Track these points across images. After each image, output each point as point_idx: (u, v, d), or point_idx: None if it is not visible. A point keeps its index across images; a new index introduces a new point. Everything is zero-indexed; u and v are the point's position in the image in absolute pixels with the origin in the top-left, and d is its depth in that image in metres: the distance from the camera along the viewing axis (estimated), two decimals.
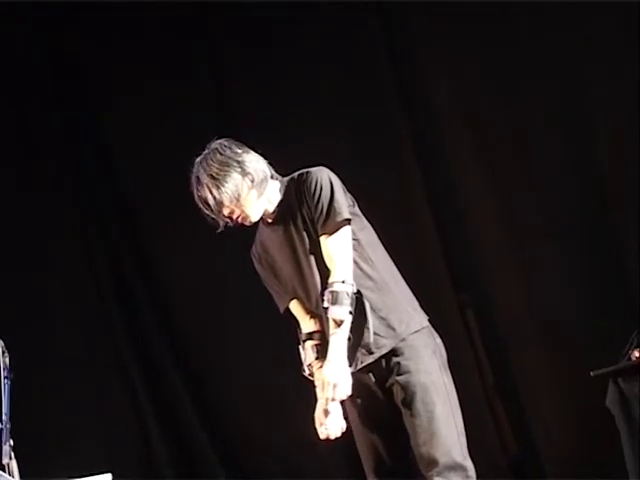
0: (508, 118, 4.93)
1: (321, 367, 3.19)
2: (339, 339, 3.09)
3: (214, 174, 3.14)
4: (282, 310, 3.34)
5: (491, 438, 4.97)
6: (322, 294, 3.11)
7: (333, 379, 3.08)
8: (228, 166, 3.16)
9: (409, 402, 3.11)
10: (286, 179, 3.28)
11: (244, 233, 3.36)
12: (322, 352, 3.22)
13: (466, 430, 3.18)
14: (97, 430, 5.17)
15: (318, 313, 3.22)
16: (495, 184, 4.98)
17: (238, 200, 3.15)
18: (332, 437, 3.18)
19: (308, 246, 3.19)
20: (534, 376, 4.92)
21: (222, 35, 5.30)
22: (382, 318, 3.15)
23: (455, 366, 3.27)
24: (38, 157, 5.34)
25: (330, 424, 3.15)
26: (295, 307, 3.32)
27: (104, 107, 5.40)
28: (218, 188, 3.13)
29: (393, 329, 3.14)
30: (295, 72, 5.13)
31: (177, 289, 5.37)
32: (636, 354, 4.10)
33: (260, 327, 5.04)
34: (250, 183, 3.17)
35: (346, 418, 3.20)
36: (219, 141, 3.22)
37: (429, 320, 3.25)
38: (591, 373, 4.16)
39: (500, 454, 4.98)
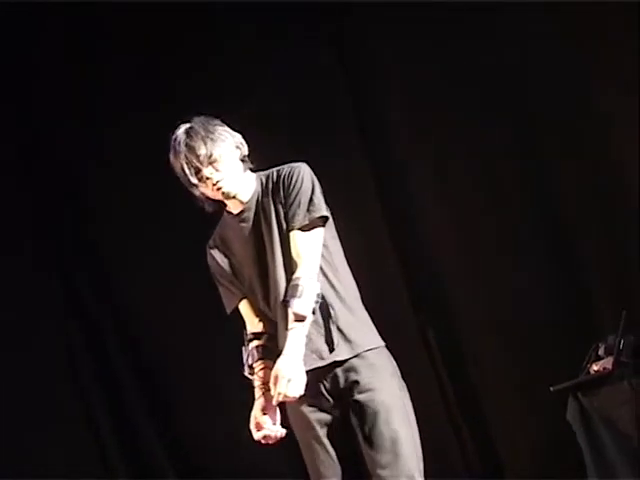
0: (464, 134, 4.93)
1: (264, 369, 3.17)
2: (298, 334, 3.00)
3: (210, 129, 3.10)
4: (229, 310, 3.28)
5: (454, 456, 4.97)
6: (286, 289, 3.05)
7: (288, 374, 2.98)
8: (225, 131, 3.15)
9: (371, 422, 3.05)
10: (261, 174, 3.23)
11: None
12: (266, 354, 3.18)
13: (429, 448, 3.15)
14: (50, 437, 5.09)
15: (272, 314, 3.15)
16: (451, 200, 4.97)
17: (224, 160, 3.09)
18: (268, 441, 3.14)
19: (277, 243, 3.12)
20: (496, 392, 4.92)
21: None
22: (339, 329, 3.09)
23: (416, 385, 3.24)
24: None
25: (268, 427, 3.12)
26: (244, 306, 3.25)
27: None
28: (212, 140, 3.08)
29: (349, 342, 3.09)
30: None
31: (129, 297, 5.33)
32: (594, 368, 4.12)
33: (213, 330, 4.99)
34: (239, 155, 3.16)
35: (288, 426, 3.15)
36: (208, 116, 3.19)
37: (387, 345, 3.20)
38: (551, 388, 4.18)
39: (463, 471, 4.98)
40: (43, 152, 5.35)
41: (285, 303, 3.04)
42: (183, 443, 5.28)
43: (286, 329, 3.05)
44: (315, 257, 3.08)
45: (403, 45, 4.93)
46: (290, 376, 2.98)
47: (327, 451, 3.13)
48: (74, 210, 5.39)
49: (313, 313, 3.03)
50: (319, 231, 3.11)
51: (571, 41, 4.64)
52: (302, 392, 3.01)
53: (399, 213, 5.04)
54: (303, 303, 3.00)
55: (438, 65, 4.89)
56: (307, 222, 3.09)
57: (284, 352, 3.01)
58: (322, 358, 3.08)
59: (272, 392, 3.02)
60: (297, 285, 3.01)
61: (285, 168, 3.19)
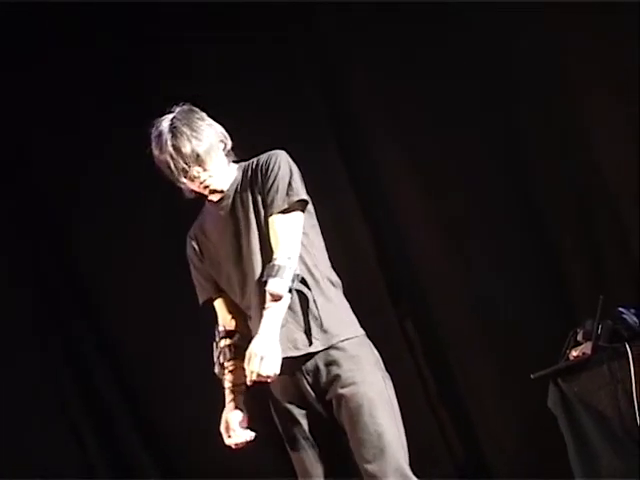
0: (443, 129, 4.94)
1: (234, 370, 3.16)
2: (273, 314, 2.96)
3: (194, 127, 3.09)
4: (201, 301, 3.27)
5: (438, 446, 4.98)
6: (263, 271, 3.02)
7: (261, 351, 2.92)
8: (208, 125, 3.13)
9: (355, 415, 3.03)
10: (242, 164, 3.23)
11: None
12: (238, 354, 3.16)
13: (413, 440, 3.15)
14: (32, 442, 5.07)
15: (246, 303, 3.13)
16: (428, 190, 4.98)
17: (210, 158, 3.09)
18: (236, 445, 3.13)
19: (254, 230, 3.11)
20: (477, 381, 4.94)
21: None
22: (316, 318, 3.07)
23: (397, 377, 3.23)
24: None
25: (238, 434, 3.11)
26: (219, 303, 3.25)
27: None
28: (198, 140, 3.07)
29: (325, 331, 3.07)
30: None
31: (111, 303, 5.32)
32: (573, 353, 4.14)
33: (194, 336, 4.98)
34: (223, 148, 3.15)
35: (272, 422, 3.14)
36: (189, 105, 3.17)
37: (367, 334, 3.18)
38: (531, 376, 4.20)
39: (448, 462, 4.99)
40: (21, 160, 5.33)
41: (263, 283, 3.00)
42: (165, 443, 5.27)
43: (259, 317, 3.02)
44: (294, 239, 3.05)
45: (375, 40, 4.95)
46: (263, 354, 2.93)
47: (313, 446, 3.12)
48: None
49: (290, 292, 2.99)
50: (298, 215, 3.10)
51: (557, 38, 4.65)
52: (277, 371, 2.95)
53: (377, 203, 5.06)
54: (279, 282, 2.96)
55: (413, 60, 4.90)
56: (286, 206, 3.08)
57: (258, 332, 2.97)
58: (297, 348, 3.06)
59: (246, 372, 2.97)
60: (273, 265, 2.98)
61: (263, 156, 3.18)
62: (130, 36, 5.13)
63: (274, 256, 3.01)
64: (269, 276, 2.98)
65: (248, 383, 3.01)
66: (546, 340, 4.54)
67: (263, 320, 2.97)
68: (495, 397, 4.93)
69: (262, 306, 3.02)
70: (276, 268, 2.97)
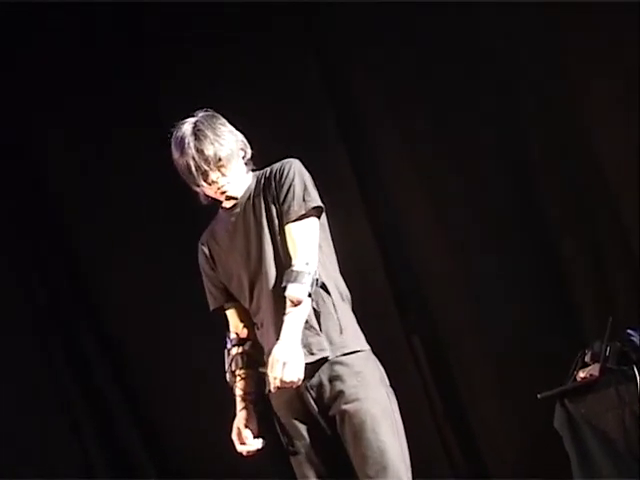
0: (447, 132, 4.91)
1: (245, 379, 3.16)
2: (294, 319, 2.96)
3: (217, 132, 3.10)
4: (211, 309, 3.28)
5: (441, 464, 4.95)
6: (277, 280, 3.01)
7: (283, 357, 2.91)
8: (230, 132, 3.15)
9: (359, 432, 3.01)
10: (256, 172, 3.23)
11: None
12: (250, 363, 3.17)
13: (416, 457, 3.13)
14: (34, 444, 5.05)
15: (255, 308, 3.12)
16: (436, 202, 4.96)
17: (230, 164, 3.09)
18: (248, 452, 3.13)
19: (266, 237, 3.10)
20: (483, 400, 4.91)
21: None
22: (328, 329, 3.06)
23: (401, 391, 3.21)
24: None
25: (249, 442, 3.11)
26: (231, 312, 3.25)
27: None
28: (220, 144, 3.08)
29: (335, 343, 3.05)
30: None
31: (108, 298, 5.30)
32: (581, 374, 4.11)
33: (195, 336, 4.97)
34: (243, 155, 3.16)
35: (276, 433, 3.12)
36: (212, 111, 3.18)
37: (373, 347, 3.18)
38: (538, 395, 4.17)
39: (450, 477, 4.96)
40: (20, 159, 5.31)
41: (280, 289, 3.00)
42: (165, 443, 5.25)
43: (274, 322, 3.02)
44: (311, 245, 3.05)
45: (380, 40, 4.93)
46: (286, 360, 2.92)
47: (316, 461, 3.10)
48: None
49: (310, 296, 2.99)
50: (314, 221, 3.10)
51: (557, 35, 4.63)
52: (300, 376, 2.94)
53: (383, 216, 5.03)
54: (298, 287, 2.96)
55: (418, 59, 4.88)
56: (303, 211, 3.08)
57: (280, 337, 2.96)
58: (312, 353, 3.04)
59: (269, 378, 2.96)
60: (292, 271, 2.99)
61: (276, 164, 3.19)
62: (130, 36, 5.13)
63: (292, 262, 3.01)
64: (288, 282, 2.98)
65: (272, 390, 3.00)
66: (553, 359, 4.52)
67: (284, 326, 2.96)
68: (500, 413, 4.90)
69: (276, 311, 3.02)
70: (295, 274, 2.98)
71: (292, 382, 2.94)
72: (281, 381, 2.93)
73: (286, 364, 2.92)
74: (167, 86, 5.12)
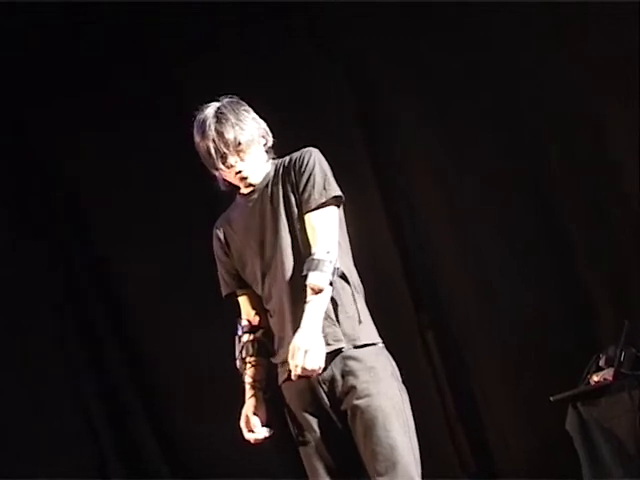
0: (465, 137, 4.92)
1: (255, 366, 3.15)
2: (315, 307, 2.93)
3: (240, 117, 3.10)
4: (224, 295, 3.27)
5: (451, 461, 4.95)
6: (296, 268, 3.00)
7: (305, 345, 2.88)
8: (253, 119, 3.15)
9: (370, 428, 2.99)
10: (275, 161, 3.22)
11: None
12: (261, 351, 3.17)
13: (426, 454, 3.11)
14: (49, 441, 5.06)
15: (267, 294, 3.12)
16: (452, 204, 4.97)
17: (250, 150, 3.09)
18: (256, 440, 3.12)
19: (283, 224, 3.09)
20: (495, 399, 4.91)
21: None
22: (341, 321, 3.04)
23: (414, 388, 3.18)
24: None
25: (257, 430, 3.10)
26: (244, 299, 3.24)
27: None
28: (241, 129, 3.08)
29: (345, 333, 3.04)
30: None
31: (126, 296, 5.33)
32: (595, 378, 4.10)
33: (210, 326, 4.96)
34: (264, 143, 3.16)
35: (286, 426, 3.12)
36: (236, 98, 3.17)
37: (386, 343, 3.15)
38: (550, 398, 4.16)
39: (461, 476, 4.96)
40: (36, 147, 5.34)
41: (303, 278, 2.98)
42: (178, 443, 5.26)
43: (291, 311, 3.01)
44: (331, 233, 3.04)
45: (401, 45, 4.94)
46: (307, 347, 2.90)
47: (324, 454, 3.09)
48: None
49: (331, 285, 2.97)
50: (334, 210, 3.09)
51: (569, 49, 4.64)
52: (322, 364, 2.93)
53: (401, 212, 5.04)
54: (319, 275, 2.95)
55: (441, 63, 4.90)
56: (323, 200, 3.07)
57: (301, 325, 2.94)
58: (328, 344, 3.01)
59: (290, 366, 2.94)
60: (313, 259, 2.97)
61: (296, 153, 3.18)
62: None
63: (313, 250, 3.00)
64: (309, 270, 2.96)
65: (292, 378, 2.99)
66: (565, 360, 4.53)
67: (305, 314, 2.95)
68: (512, 413, 4.89)
69: (292, 300, 3.01)
70: (316, 262, 2.96)
71: (313, 370, 2.92)
72: (302, 369, 2.91)
73: (308, 352, 2.90)
74: (189, 78, 5.12)
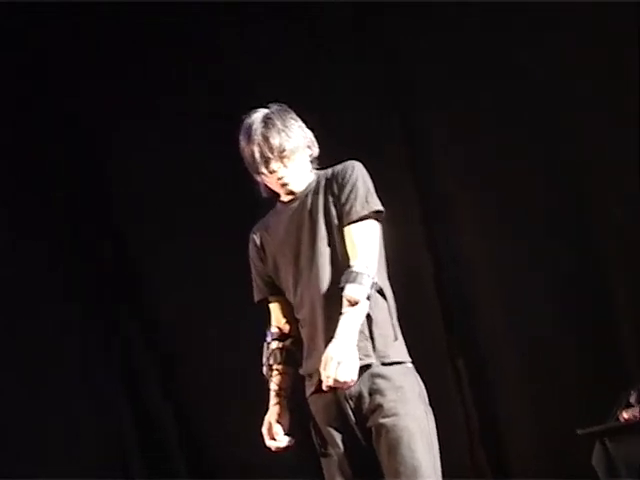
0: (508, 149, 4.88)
1: (282, 374, 3.15)
2: (351, 319, 2.91)
3: (287, 124, 3.12)
4: (256, 300, 3.27)
5: None
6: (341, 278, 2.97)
7: (337, 356, 2.86)
8: (300, 127, 3.16)
9: (394, 447, 2.97)
10: (319, 172, 3.22)
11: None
12: (289, 360, 3.17)
13: (449, 477, 3.10)
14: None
15: (297, 305, 3.11)
16: (487, 226, 4.94)
17: (294, 157, 3.10)
18: (277, 448, 3.11)
19: (321, 234, 3.08)
20: (520, 428, 4.87)
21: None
22: (374, 337, 3.01)
23: (441, 411, 3.15)
24: None
25: (279, 438, 3.09)
26: (275, 306, 3.24)
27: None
28: (287, 136, 3.09)
29: (375, 349, 3.02)
30: None
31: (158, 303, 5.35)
32: (624, 415, 4.05)
33: (238, 330, 4.99)
34: (309, 153, 3.17)
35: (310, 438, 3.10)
36: (285, 106, 3.19)
37: (415, 363, 3.13)
38: (578, 431, 4.11)
39: None
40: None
41: (340, 290, 2.96)
42: (199, 444, 5.26)
43: (324, 323, 3.00)
44: (372, 247, 3.03)
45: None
46: (340, 359, 2.88)
47: (347, 470, 3.07)
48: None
49: (368, 299, 2.96)
50: (375, 224, 3.08)
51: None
52: (354, 377, 2.91)
53: (439, 230, 5.03)
54: (357, 287, 2.93)
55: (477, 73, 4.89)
56: (365, 212, 3.06)
57: (335, 336, 2.93)
58: (359, 358, 2.97)
59: (322, 376, 2.92)
60: (351, 272, 2.96)
61: (339, 165, 3.18)
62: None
63: (351, 263, 2.99)
64: (347, 282, 2.95)
65: (324, 388, 2.97)
66: (595, 394, 4.47)
67: (340, 325, 2.94)
68: (537, 445, 4.84)
69: (326, 312, 3.00)
70: (354, 274, 2.95)
71: (345, 382, 2.91)
72: (334, 380, 2.89)
73: (340, 363, 2.89)
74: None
